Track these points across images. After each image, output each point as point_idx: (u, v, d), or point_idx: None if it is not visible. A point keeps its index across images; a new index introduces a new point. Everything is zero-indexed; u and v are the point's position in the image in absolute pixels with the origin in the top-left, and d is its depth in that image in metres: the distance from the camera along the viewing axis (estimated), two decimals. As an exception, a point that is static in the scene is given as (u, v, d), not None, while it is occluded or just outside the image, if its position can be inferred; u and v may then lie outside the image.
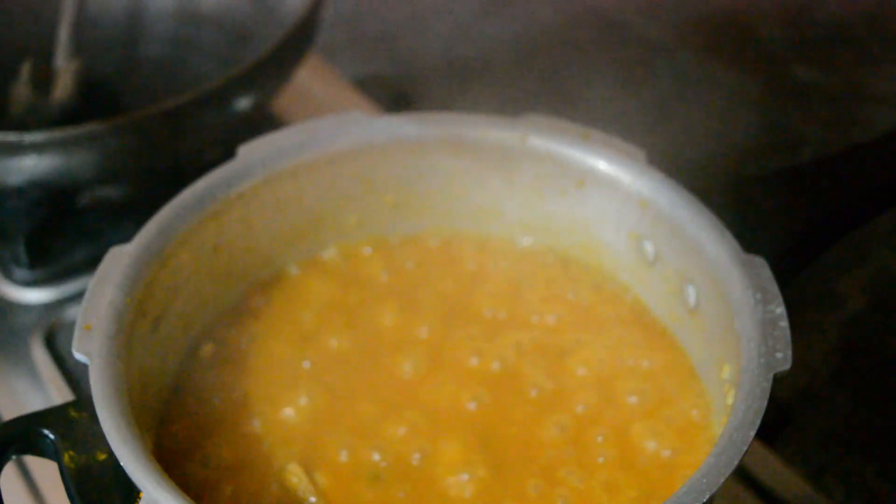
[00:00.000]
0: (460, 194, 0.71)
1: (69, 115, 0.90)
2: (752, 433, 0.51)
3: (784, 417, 0.68)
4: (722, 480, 0.49)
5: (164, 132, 0.82)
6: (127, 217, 0.81)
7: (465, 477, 0.58)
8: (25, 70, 0.91)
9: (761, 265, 0.59)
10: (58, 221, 0.89)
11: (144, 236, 0.61)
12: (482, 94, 1.12)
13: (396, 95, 1.14)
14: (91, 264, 0.64)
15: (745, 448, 0.50)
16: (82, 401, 0.55)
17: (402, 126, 0.69)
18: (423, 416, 0.61)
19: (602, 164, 0.67)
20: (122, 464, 0.51)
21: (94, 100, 0.94)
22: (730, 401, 0.56)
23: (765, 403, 0.52)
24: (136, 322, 0.58)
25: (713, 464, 0.50)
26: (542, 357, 0.65)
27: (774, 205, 0.64)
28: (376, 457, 0.59)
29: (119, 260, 0.60)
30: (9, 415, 0.77)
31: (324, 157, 0.68)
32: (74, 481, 0.53)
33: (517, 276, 0.70)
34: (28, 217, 0.88)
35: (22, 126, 0.88)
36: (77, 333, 0.56)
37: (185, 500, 0.49)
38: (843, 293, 0.91)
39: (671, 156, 0.71)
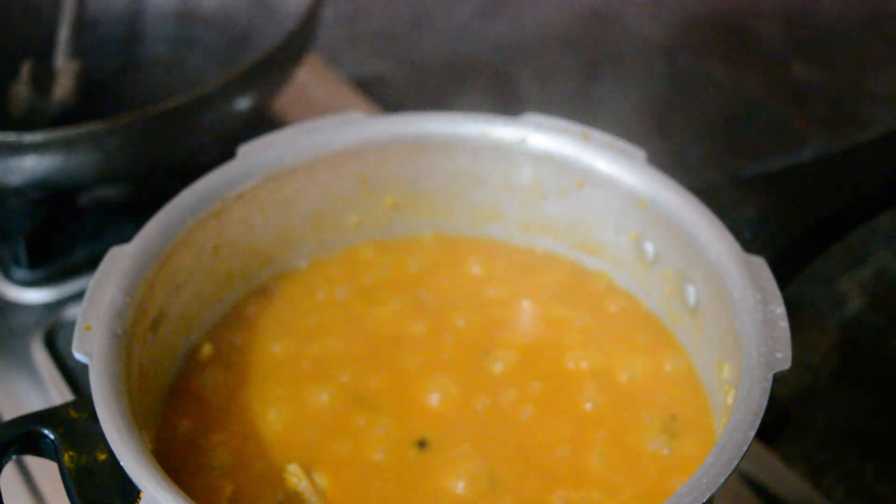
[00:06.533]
0: (460, 194, 0.71)
1: (69, 115, 0.90)
2: (752, 433, 0.51)
3: (784, 417, 0.67)
4: (722, 480, 0.49)
5: (164, 132, 0.82)
6: (127, 217, 0.81)
7: (464, 476, 0.58)
8: (25, 70, 0.91)
9: (761, 265, 0.59)
10: (58, 221, 0.89)
11: (144, 236, 0.61)
12: (482, 94, 1.12)
13: (396, 95, 1.14)
14: (91, 264, 0.64)
15: (745, 448, 0.50)
16: (82, 401, 0.56)
17: (402, 126, 0.69)
18: (422, 415, 0.61)
19: (602, 164, 0.67)
20: (122, 464, 0.51)
21: (94, 100, 0.94)
22: (730, 401, 0.56)
23: (765, 403, 0.52)
24: (136, 322, 0.58)
25: (713, 464, 0.50)
26: (542, 357, 0.65)
27: (774, 205, 0.64)
28: (377, 456, 0.59)
29: (119, 260, 0.60)
30: (9, 415, 0.77)
31: (324, 157, 0.68)
32: (74, 481, 0.53)
33: (516, 276, 0.70)
34: (28, 217, 0.88)
35: (22, 126, 0.88)
36: (77, 333, 0.56)
37: (185, 500, 0.49)
38: (843, 293, 0.91)
39: (671, 156, 0.71)
